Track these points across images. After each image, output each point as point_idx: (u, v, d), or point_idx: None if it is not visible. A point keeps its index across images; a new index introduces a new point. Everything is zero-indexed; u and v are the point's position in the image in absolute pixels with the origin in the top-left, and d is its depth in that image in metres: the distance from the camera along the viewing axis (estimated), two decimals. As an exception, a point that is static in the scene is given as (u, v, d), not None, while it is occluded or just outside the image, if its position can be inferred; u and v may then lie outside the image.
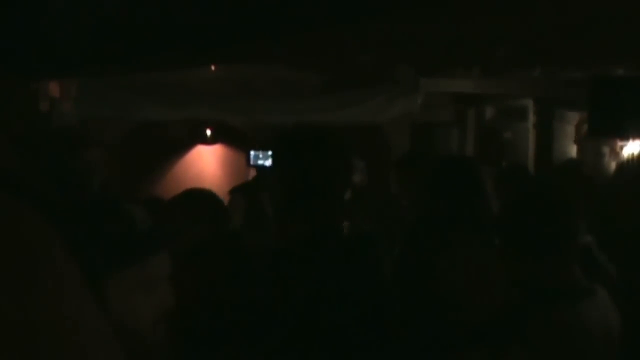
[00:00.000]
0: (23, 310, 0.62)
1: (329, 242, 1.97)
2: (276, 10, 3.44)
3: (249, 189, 5.31)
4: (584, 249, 2.28)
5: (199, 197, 2.77)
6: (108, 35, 3.59)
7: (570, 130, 7.51)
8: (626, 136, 5.22)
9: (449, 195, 2.85)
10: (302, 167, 1.97)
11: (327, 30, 4.06)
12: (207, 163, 8.34)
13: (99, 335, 0.69)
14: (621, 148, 5.27)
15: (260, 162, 5.86)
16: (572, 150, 7.38)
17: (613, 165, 4.95)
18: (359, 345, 1.89)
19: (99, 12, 3.24)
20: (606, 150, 4.90)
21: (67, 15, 3.15)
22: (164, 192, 5.62)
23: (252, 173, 6.05)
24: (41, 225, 0.69)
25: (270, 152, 4.38)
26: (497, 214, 2.53)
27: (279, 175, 2.07)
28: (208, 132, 8.28)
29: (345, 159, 2.04)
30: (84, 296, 0.69)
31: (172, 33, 3.77)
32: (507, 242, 2.24)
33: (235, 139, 7.97)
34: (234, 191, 5.27)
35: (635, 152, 5.38)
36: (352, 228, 4.32)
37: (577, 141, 6.07)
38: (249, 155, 6.00)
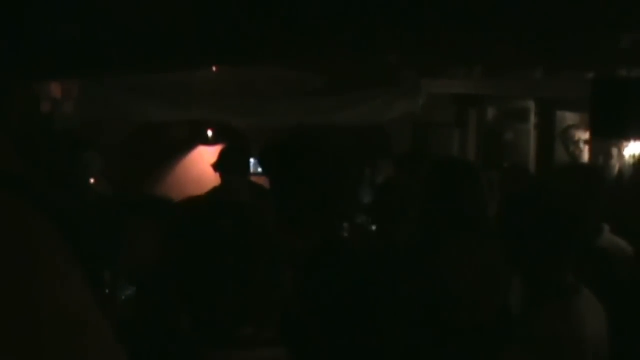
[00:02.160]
0: (25, 309, 0.62)
1: (329, 259, 1.94)
2: (279, 13, 3.44)
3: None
4: (582, 249, 2.28)
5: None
6: (111, 37, 3.59)
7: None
8: (628, 137, 5.21)
9: (447, 196, 2.85)
10: (293, 178, 1.92)
11: (329, 32, 4.07)
12: (208, 164, 8.31)
13: (101, 336, 0.69)
14: (622, 149, 5.26)
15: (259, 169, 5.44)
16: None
17: (612, 167, 4.94)
18: (362, 346, 1.89)
19: (102, 14, 3.25)
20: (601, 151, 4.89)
21: (70, 17, 3.15)
22: (166, 193, 5.61)
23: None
24: (43, 226, 0.69)
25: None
26: (496, 215, 2.53)
27: (273, 188, 2.02)
28: (209, 132, 8.26)
29: (338, 169, 1.99)
30: (86, 296, 0.69)
31: (174, 35, 3.78)
32: (506, 243, 2.25)
33: (237, 140, 7.95)
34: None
35: (636, 153, 5.38)
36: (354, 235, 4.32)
37: (564, 144, 6.06)
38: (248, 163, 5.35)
